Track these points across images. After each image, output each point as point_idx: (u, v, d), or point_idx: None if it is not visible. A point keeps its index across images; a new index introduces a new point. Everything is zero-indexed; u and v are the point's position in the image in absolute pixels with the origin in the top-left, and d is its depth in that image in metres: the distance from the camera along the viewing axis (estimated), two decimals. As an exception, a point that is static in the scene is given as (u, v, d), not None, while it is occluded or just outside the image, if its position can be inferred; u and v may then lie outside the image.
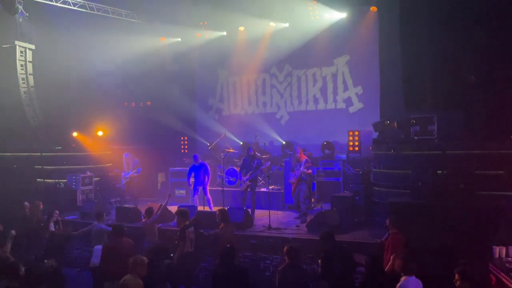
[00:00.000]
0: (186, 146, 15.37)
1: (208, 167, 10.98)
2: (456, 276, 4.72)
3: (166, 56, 15.54)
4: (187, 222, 7.57)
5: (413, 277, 5.05)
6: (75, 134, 13.25)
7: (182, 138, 15.39)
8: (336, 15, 12.89)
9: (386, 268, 6.00)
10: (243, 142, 11.28)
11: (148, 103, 15.62)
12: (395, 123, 9.67)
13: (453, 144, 8.54)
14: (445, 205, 7.51)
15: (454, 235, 6.85)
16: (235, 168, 12.70)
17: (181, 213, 7.70)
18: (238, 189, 12.30)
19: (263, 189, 11.39)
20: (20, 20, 12.31)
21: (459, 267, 4.89)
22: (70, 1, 12.66)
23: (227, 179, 12.43)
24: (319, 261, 6.05)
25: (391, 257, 5.86)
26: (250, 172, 10.29)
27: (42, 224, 8.89)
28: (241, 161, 11.12)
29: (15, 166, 12.45)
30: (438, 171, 8.10)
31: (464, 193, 7.61)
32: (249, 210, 9.94)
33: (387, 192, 9.15)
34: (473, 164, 7.99)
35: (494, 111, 8.63)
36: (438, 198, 7.68)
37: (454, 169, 7.98)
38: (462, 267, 4.84)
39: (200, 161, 10.94)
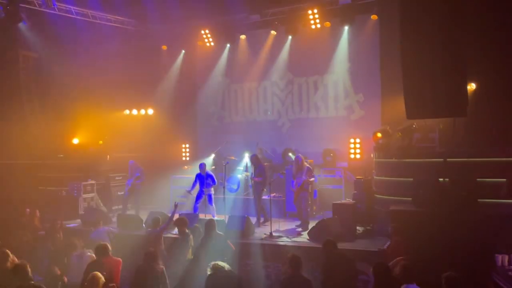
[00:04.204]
0: (187, 154, 15.41)
1: (214, 176, 10.97)
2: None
3: (168, 64, 15.60)
4: (187, 230, 7.60)
5: (414, 285, 5.02)
6: (76, 141, 13.29)
7: (183, 146, 15.43)
8: (337, 23, 12.93)
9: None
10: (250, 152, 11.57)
11: (150, 110, 15.69)
12: (398, 131, 9.67)
13: (455, 151, 8.53)
14: (447, 213, 7.49)
15: (456, 243, 6.82)
16: (236, 176, 12.73)
17: (178, 222, 7.76)
18: (240, 196, 12.38)
19: (264, 197, 11.38)
20: (23, 29, 12.39)
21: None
22: (72, 9, 12.76)
23: (228, 186, 12.44)
24: (321, 269, 6.04)
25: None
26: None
27: (40, 233, 8.81)
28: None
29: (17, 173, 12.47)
30: (439, 179, 8.08)
31: (466, 201, 7.59)
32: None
33: (388, 199, 9.14)
34: (475, 172, 7.98)
35: (496, 118, 8.64)
36: (440, 206, 7.66)
37: (455, 176, 7.97)
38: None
39: (206, 170, 10.94)
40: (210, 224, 7.60)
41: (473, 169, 8.08)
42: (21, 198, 10.94)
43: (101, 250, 6.54)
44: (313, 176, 10.16)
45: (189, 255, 7.48)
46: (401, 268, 5.16)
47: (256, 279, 8.17)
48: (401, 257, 5.63)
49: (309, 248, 8.18)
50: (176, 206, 8.64)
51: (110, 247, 6.69)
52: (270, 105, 14.55)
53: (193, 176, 11.21)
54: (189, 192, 10.96)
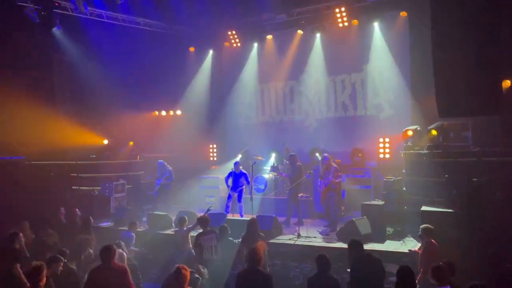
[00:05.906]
0: (215, 154, 15.54)
1: (248, 176, 10.92)
2: None
3: (196, 65, 15.79)
4: (209, 228, 7.69)
5: (448, 287, 4.90)
6: (106, 142, 13.64)
7: (211, 146, 15.58)
8: (365, 21, 12.75)
9: (418, 277, 5.87)
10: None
11: (178, 112, 15.93)
12: (432, 130, 9.43)
13: (489, 151, 8.26)
14: (481, 214, 7.26)
15: (490, 246, 6.60)
16: (263, 176, 12.74)
17: (201, 220, 7.84)
18: (267, 196, 12.38)
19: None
20: (57, 33, 12.80)
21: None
22: (103, 14, 13.09)
23: (255, 187, 12.46)
24: (348, 270, 5.97)
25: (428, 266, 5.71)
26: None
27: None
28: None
29: (52, 174, 12.89)
30: (473, 179, 7.84)
31: (501, 202, 7.34)
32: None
33: (419, 200, 8.94)
34: (511, 172, 7.70)
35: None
36: (473, 207, 7.43)
37: (490, 177, 7.71)
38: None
39: (240, 169, 11.00)
40: (253, 222, 7.63)
41: (508, 169, 7.79)
42: (55, 197, 11.30)
43: (107, 253, 5.61)
44: (339, 177, 10.05)
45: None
46: (434, 270, 5.03)
47: (285, 279, 8.15)
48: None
49: (337, 249, 8.10)
50: (208, 210, 8.79)
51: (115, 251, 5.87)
52: (297, 105, 14.49)
53: (221, 176, 11.32)
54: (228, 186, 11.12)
